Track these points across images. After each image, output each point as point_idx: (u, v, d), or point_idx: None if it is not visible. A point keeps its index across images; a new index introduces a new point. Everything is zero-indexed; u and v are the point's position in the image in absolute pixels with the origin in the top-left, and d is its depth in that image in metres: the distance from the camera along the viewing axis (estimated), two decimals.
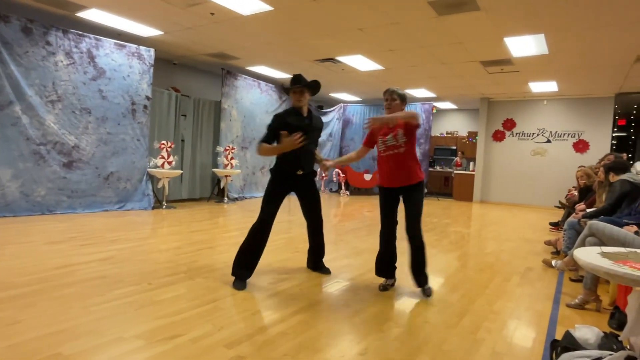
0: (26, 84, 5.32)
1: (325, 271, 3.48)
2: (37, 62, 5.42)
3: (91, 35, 5.94)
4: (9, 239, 4.05)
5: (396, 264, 3.15)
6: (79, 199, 5.88)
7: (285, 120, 3.10)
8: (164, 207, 6.80)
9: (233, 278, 3.01)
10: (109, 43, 6.14)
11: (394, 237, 3.07)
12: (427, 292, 2.99)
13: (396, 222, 3.07)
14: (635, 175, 3.62)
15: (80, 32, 5.83)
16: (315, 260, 3.54)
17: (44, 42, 5.46)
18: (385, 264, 3.12)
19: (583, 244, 2.99)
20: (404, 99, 3.01)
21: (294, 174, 3.15)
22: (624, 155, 8.72)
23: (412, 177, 2.97)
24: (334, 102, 12.54)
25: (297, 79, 3.16)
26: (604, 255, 1.77)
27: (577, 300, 2.89)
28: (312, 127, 3.17)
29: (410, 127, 2.88)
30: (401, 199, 3.05)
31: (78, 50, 5.80)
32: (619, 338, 1.92)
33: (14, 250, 3.66)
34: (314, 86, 3.22)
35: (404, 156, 2.93)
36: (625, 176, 3.55)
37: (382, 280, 3.15)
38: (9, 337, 2.01)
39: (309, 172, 3.27)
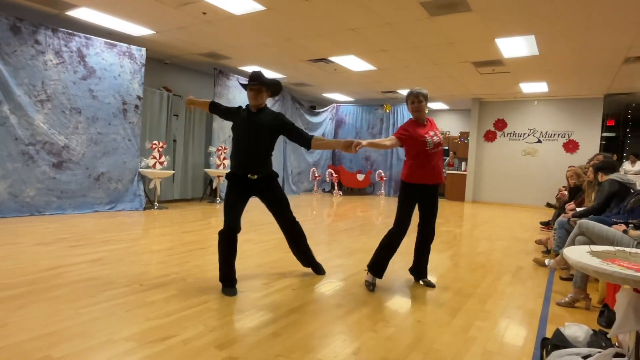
0: (14, 83, 5.25)
1: (320, 271, 3.46)
2: (26, 61, 5.35)
3: (81, 34, 5.88)
4: None
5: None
6: (69, 199, 5.82)
7: (236, 113, 3.07)
8: (155, 207, 6.75)
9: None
10: (99, 42, 6.08)
11: None
12: (430, 284, 3.29)
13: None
14: (623, 175, 3.67)
15: (70, 31, 5.77)
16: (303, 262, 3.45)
17: (33, 41, 5.40)
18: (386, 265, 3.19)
19: (573, 243, 3.03)
20: (427, 99, 3.13)
21: (246, 178, 2.95)
22: (614, 155, 8.86)
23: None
24: (327, 102, 12.55)
25: (255, 76, 2.93)
26: (593, 253, 1.79)
27: (567, 299, 2.93)
28: (255, 124, 2.94)
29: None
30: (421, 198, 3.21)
31: (68, 49, 5.74)
32: (608, 335, 1.94)
33: (2, 252, 3.61)
34: (274, 84, 3.03)
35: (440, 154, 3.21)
36: (613, 176, 3.60)
37: (369, 279, 3.18)
38: (0, 339, 1.99)
39: (266, 176, 3.01)
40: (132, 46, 6.48)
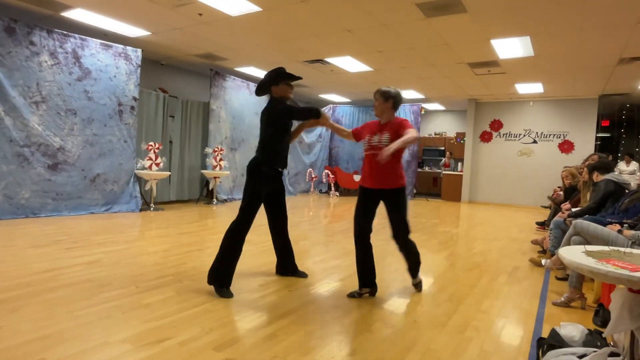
0: (9, 85, 5.22)
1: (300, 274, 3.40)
2: (21, 62, 5.33)
3: (76, 35, 5.86)
4: None
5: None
6: (64, 201, 5.80)
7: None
8: (151, 209, 6.73)
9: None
10: (94, 43, 6.06)
11: (369, 241, 3.05)
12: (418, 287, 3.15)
13: (370, 229, 3.06)
14: (618, 175, 3.69)
15: (65, 32, 5.74)
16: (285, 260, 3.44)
17: (27, 42, 5.37)
18: (366, 272, 3.00)
19: (568, 243, 3.04)
20: (388, 97, 2.88)
21: (279, 172, 3.16)
22: (609, 155, 8.91)
23: (393, 180, 2.90)
24: (324, 103, 12.56)
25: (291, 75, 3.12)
26: (588, 253, 1.80)
27: (562, 299, 2.94)
28: (264, 115, 3.07)
29: (398, 136, 2.75)
30: (382, 204, 3.00)
31: (63, 50, 5.71)
32: (603, 335, 1.96)
33: None
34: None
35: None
36: (609, 176, 3.62)
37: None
38: None
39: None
40: (127, 47, 6.47)
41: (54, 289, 2.78)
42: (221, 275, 2.85)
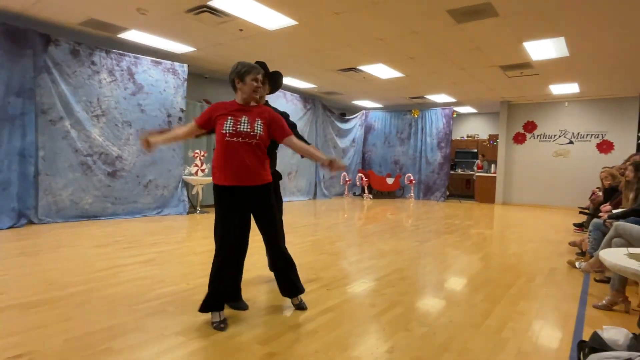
0: (74, 101, 5.58)
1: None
2: (84, 80, 5.68)
3: (130, 54, 6.18)
4: (62, 243, 4.23)
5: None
6: (121, 205, 6.09)
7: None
8: (198, 212, 6.95)
9: (264, 279, 3.08)
10: (146, 60, 6.36)
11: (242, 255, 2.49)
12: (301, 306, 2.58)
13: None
14: None
15: (121, 52, 6.07)
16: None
17: (89, 62, 5.72)
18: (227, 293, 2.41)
19: (609, 245, 2.88)
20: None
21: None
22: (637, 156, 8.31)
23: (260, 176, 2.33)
24: (357, 109, 12.54)
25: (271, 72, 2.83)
26: (631, 256, 1.71)
27: (604, 302, 2.78)
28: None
29: (273, 131, 2.35)
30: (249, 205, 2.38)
31: (119, 68, 6.04)
32: None
33: (65, 253, 3.83)
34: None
35: (255, 148, 2.28)
36: None
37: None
38: (65, 331, 2.12)
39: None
40: (175, 63, 6.74)
41: (114, 285, 2.93)
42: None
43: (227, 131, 2.22)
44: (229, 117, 2.26)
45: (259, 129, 2.28)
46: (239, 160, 2.24)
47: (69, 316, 2.32)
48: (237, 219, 2.33)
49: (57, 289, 2.78)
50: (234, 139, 2.22)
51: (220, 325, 2.21)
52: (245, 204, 2.35)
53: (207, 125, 2.35)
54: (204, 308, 2.24)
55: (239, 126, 2.24)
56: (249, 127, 2.25)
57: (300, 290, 2.58)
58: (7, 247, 4.00)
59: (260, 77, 2.36)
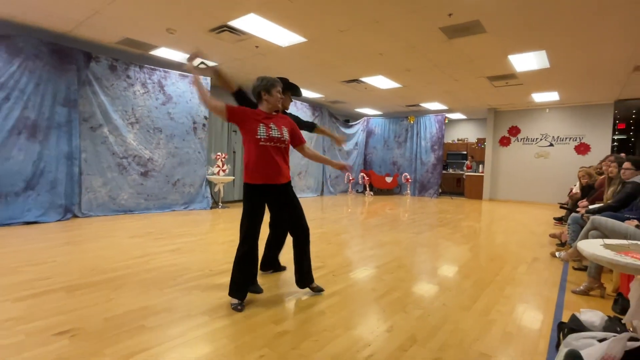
0: (112, 110, 5.65)
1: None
2: (120, 92, 5.74)
3: (161, 69, 6.23)
4: (101, 234, 4.30)
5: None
6: (153, 201, 6.16)
7: None
8: (220, 207, 6.99)
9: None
10: (174, 74, 6.41)
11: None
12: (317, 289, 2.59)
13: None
14: None
15: (152, 67, 6.13)
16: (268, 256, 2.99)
17: (125, 76, 5.78)
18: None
19: (586, 237, 2.84)
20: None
21: None
22: (623, 154, 8.16)
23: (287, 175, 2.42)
24: (359, 116, 12.51)
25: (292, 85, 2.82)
26: (607, 246, 1.68)
27: (582, 287, 2.75)
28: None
29: (292, 137, 2.44)
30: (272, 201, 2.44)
31: (151, 81, 6.09)
32: (622, 321, 1.81)
33: (104, 243, 3.89)
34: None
35: (283, 151, 2.38)
36: (637, 179, 3.27)
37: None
38: (105, 311, 2.15)
39: None
40: (200, 76, 6.77)
41: (147, 270, 2.96)
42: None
43: (261, 137, 2.27)
44: (261, 124, 2.30)
45: (286, 135, 2.38)
46: (271, 162, 2.30)
47: (108, 297, 2.35)
48: (262, 214, 2.37)
49: (98, 274, 2.82)
50: (268, 143, 2.29)
51: (238, 307, 2.24)
52: (268, 200, 2.42)
53: (233, 119, 2.33)
54: (230, 293, 2.32)
55: (270, 132, 2.30)
56: (279, 133, 2.33)
57: (311, 279, 2.59)
58: (55, 237, 4.06)
59: (281, 89, 2.41)
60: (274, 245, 2.94)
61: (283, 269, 3.10)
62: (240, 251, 2.31)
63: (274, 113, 2.41)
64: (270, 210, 2.62)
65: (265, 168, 2.30)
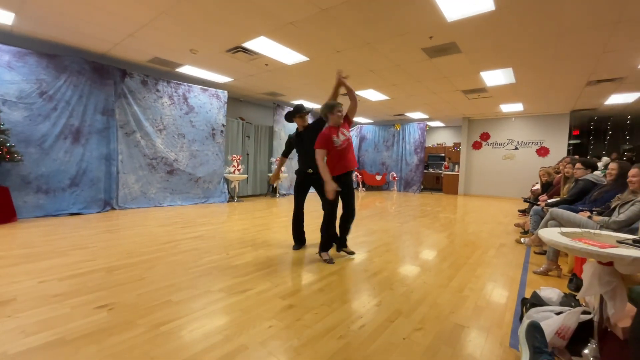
0: (144, 119, 5.64)
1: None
2: (150, 103, 5.73)
3: (185, 84, 6.21)
4: (135, 223, 4.30)
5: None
6: (178, 195, 6.15)
7: (292, 140, 3.20)
8: (235, 201, 6.99)
9: (284, 250, 3.13)
10: (196, 88, 6.39)
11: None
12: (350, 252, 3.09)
13: None
14: (597, 175, 3.30)
15: (178, 82, 6.11)
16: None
17: (154, 90, 5.77)
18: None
19: (546, 226, 2.84)
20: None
21: (306, 173, 3.07)
22: (577, 156, 8.11)
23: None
24: (353, 124, 12.46)
25: (302, 107, 3.09)
26: (563, 234, 1.68)
27: (541, 269, 2.75)
28: (304, 138, 3.05)
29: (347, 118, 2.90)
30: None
31: (177, 94, 6.08)
32: (577, 297, 1.81)
33: (138, 230, 3.89)
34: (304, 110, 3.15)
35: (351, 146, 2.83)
36: (589, 176, 3.28)
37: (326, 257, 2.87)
38: (138, 288, 2.15)
39: (316, 171, 2.94)
40: (218, 90, 6.76)
41: (174, 254, 2.97)
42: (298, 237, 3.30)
43: (337, 145, 2.74)
44: (334, 137, 2.74)
45: (348, 134, 2.84)
46: (345, 157, 2.77)
47: (141, 277, 2.36)
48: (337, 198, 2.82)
49: (132, 257, 2.83)
50: (341, 146, 2.76)
51: (333, 261, 2.81)
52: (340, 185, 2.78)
53: (328, 148, 2.73)
54: (323, 249, 2.90)
55: (341, 138, 2.77)
56: (344, 137, 2.80)
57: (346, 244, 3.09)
58: (96, 226, 4.07)
59: (340, 110, 2.83)
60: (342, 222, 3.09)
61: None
62: (327, 220, 2.89)
63: (333, 125, 2.80)
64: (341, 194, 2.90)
65: (341, 163, 2.77)
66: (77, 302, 1.92)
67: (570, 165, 3.66)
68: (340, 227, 3.00)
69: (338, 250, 3.06)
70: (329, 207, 2.88)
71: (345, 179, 2.79)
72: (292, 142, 3.18)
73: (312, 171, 3.02)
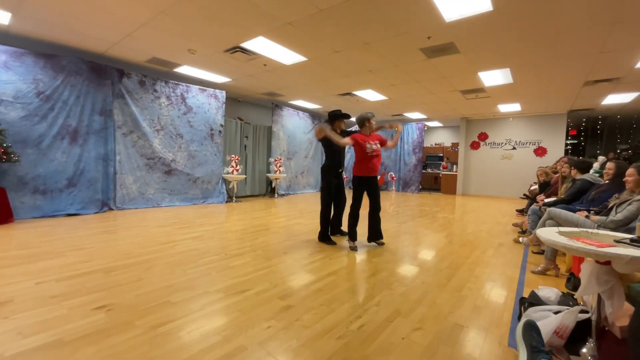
0: (141, 119, 5.62)
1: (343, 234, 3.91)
2: (148, 103, 5.71)
3: (183, 84, 6.19)
4: (133, 224, 4.28)
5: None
6: (176, 195, 6.13)
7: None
8: (233, 201, 6.97)
9: (283, 251, 3.11)
10: (195, 88, 6.37)
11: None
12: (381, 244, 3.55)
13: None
14: (594, 175, 3.33)
15: (176, 82, 6.09)
16: (333, 225, 3.83)
17: (152, 90, 5.75)
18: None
19: (544, 226, 2.85)
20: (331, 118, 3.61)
21: (338, 172, 3.64)
22: (574, 157, 8.14)
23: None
24: (353, 124, 12.45)
25: (344, 114, 3.61)
26: (561, 233, 1.68)
27: (540, 268, 2.75)
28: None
29: (381, 142, 3.39)
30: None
31: (174, 94, 6.06)
32: (574, 296, 1.82)
33: (135, 231, 3.87)
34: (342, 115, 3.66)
35: (379, 157, 3.34)
36: (586, 176, 3.29)
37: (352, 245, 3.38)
38: (136, 288, 2.14)
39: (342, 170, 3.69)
40: (216, 90, 6.75)
41: (172, 254, 2.96)
42: (325, 233, 3.61)
43: (369, 151, 3.22)
44: (367, 143, 3.22)
45: (378, 146, 3.30)
46: (372, 164, 3.28)
47: (139, 277, 2.35)
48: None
49: (130, 257, 2.82)
50: (372, 154, 3.23)
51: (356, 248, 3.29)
52: (365, 187, 3.32)
53: (355, 144, 3.22)
54: (351, 238, 3.35)
55: (373, 147, 3.24)
56: (376, 147, 3.26)
57: (380, 236, 3.52)
58: (93, 227, 4.05)
59: (374, 121, 3.33)
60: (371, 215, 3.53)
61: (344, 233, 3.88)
62: (352, 215, 3.34)
63: (367, 134, 3.31)
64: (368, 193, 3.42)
65: (369, 167, 3.28)
66: (75, 303, 1.91)
67: (567, 165, 3.68)
68: (370, 219, 3.46)
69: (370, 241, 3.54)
70: (341, 206, 3.69)
71: (370, 181, 3.33)
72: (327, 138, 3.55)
73: (341, 170, 3.66)
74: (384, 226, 4.68)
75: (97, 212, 5.00)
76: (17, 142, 4.34)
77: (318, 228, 4.45)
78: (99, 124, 5.13)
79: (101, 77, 5.13)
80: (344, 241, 3.62)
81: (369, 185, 3.32)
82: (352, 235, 3.34)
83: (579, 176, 3.34)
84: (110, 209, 5.28)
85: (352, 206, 3.32)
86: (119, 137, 5.37)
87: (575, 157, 4.39)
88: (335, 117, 3.53)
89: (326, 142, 3.46)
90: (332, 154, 3.55)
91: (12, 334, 1.57)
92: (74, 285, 2.16)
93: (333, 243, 3.50)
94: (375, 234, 3.47)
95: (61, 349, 1.47)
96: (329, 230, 3.61)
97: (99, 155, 5.14)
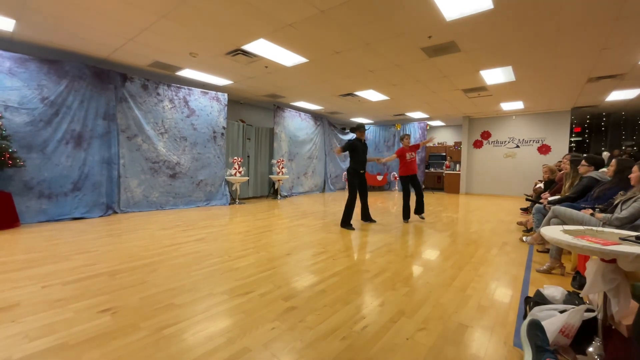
0: (145, 122, 5.65)
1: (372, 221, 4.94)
2: (151, 107, 5.74)
3: (185, 87, 6.23)
4: (137, 227, 4.31)
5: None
6: (180, 198, 6.16)
7: (356, 144, 4.49)
8: (237, 203, 6.99)
9: (286, 252, 3.10)
10: (197, 91, 6.41)
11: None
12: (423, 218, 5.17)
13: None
14: (601, 173, 3.26)
15: (178, 85, 6.12)
16: (364, 214, 4.91)
17: (155, 93, 5.79)
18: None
19: (548, 224, 2.82)
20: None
21: (361, 173, 4.53)
22: (584, 155, 8.06)
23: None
24: (353, 124, 12.45)
25: (363, 126, 4.62)
26: (566, 232, 1.67)
27: (545, 267, 2.73)
28: (365, 148, 4.64)
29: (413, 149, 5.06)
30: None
31: (177, 97, 6.10)
32: (580, 295, 1.80)
33: (139, 234, 3.90)
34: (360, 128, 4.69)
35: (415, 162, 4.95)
36: (593, 174, 3.25)
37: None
38: (140, 291, 2.15)
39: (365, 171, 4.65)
40: (218, 93, 6.78)
41: (176, 257, 2.97)
42: (348, 220, 4.46)
43: (408, 159, 4.93)
44: (407, 153, 4.96)
45: (414, 155, 5.03)
46: (411, 165, 4.96)
47: (143, 280, 2.36)
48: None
49: (134, 260, 2.83)
50: (409, 160, 4.89)
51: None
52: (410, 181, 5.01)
53: (399, 155, 5.03)
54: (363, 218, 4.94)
55: (411, 156, 4.96)
56: (413, 155, 5.00)
57: (423, 211, 5.24)
58: (98, 230, 4.08)
59: (408, 139, 5.10)
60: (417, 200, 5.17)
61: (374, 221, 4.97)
62: (407, 204, 5.01)
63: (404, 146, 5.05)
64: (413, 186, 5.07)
65: (410, 168, 4.99)
66: (80, 306, 1.92)
67: (569, 163, 3.63)
68: (417, 199, 5.13)
69: (417, 214, 5.19)
70: (363, 199, 4.86)
71: (412, 178, 5.01)
72: (352, 145, 4.45)
73: (363, 171, 4.52)
74: (387, 226, 4.67)
75: (101, 216, 5.04)
76: (23, 147, 4.39)
77: (321, 229, 4.45)
78: (103, 128, 5.17)
79: (104, 81, 5.17)
80: (370, 225, 4.61)
81: (412, 180, 5.01)
82: (407, 214, 5.02)
83: (591, 172, 3.27)
84: (115, 213, 5.31)
85: (404, 197, 5.03)
86: (123, 140, 5.41)
87: (580, 154, 4.33)
88: (358, 129, 4.60)
89: (352, 150, 4.42)
90: (357, 158, 4.47)
91: (19, 338, 1.58)
92: (79, 289, 2.18)
93: (352, 228, 4.31)
94: (420, 209, 5.12)
95: (66, 352, 1.48)
96: (350, 218, 4.42)
97: (103, 159, 5.18)
